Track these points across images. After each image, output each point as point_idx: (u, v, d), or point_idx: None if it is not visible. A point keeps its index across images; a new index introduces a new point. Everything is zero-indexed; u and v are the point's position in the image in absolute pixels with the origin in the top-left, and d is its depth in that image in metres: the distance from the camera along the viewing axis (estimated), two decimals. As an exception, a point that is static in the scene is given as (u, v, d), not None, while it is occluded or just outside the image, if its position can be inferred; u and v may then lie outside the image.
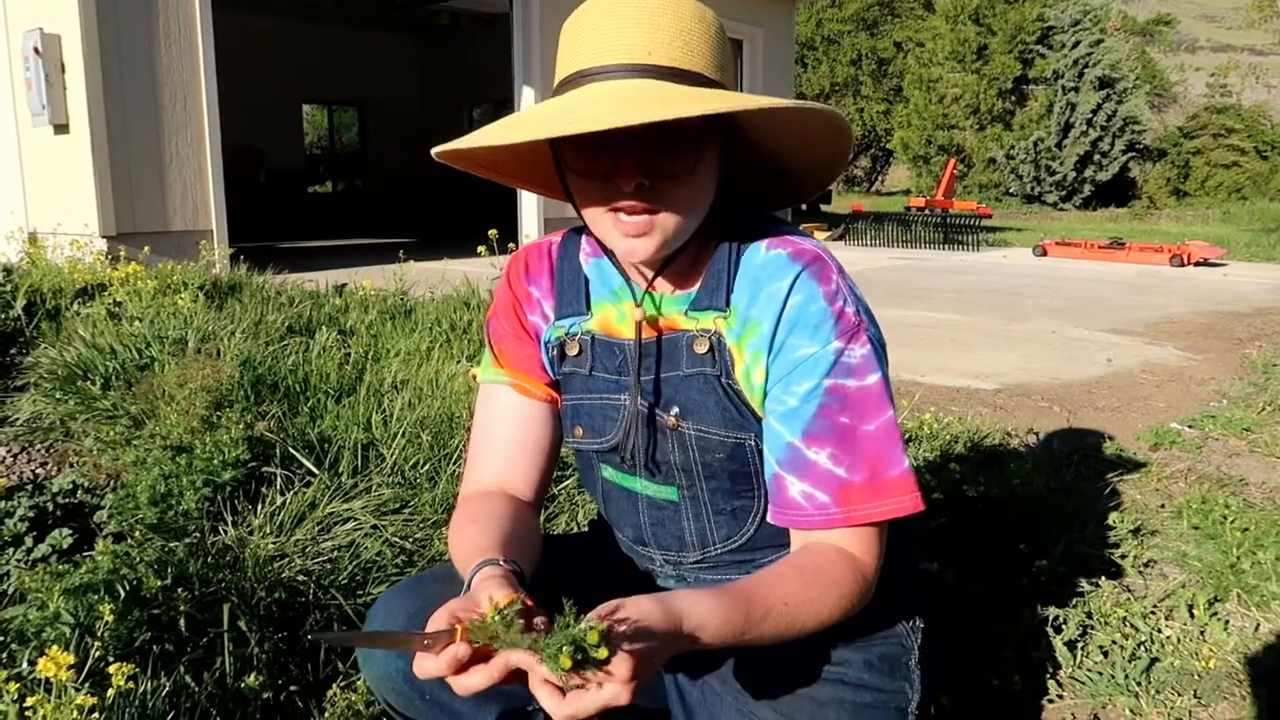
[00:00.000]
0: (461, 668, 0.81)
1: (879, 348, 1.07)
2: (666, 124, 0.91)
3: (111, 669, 1.31)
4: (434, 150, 1.04)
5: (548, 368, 1.22)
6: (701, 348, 1.09)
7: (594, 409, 1.17)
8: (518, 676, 0.82)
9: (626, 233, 1.01)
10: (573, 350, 1.18)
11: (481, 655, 0.82)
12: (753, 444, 1.10)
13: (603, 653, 0.76)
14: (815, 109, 0.98)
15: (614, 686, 0.78)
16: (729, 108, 0.91)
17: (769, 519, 1.09)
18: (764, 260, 1.08)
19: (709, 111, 0.89)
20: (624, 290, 1.14)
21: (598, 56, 0.97)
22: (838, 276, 1.06)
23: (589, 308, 1.17)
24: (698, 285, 1.11)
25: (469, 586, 0.95)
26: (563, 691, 0.79)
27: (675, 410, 1.11)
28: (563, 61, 1.02)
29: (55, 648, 1.25)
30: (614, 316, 1.15)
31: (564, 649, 0.75)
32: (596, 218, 1.03)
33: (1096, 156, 23.12)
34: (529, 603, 0.86)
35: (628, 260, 1.05)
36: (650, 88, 0.94)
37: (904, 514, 1.03)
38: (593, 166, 0.99)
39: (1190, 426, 3.55)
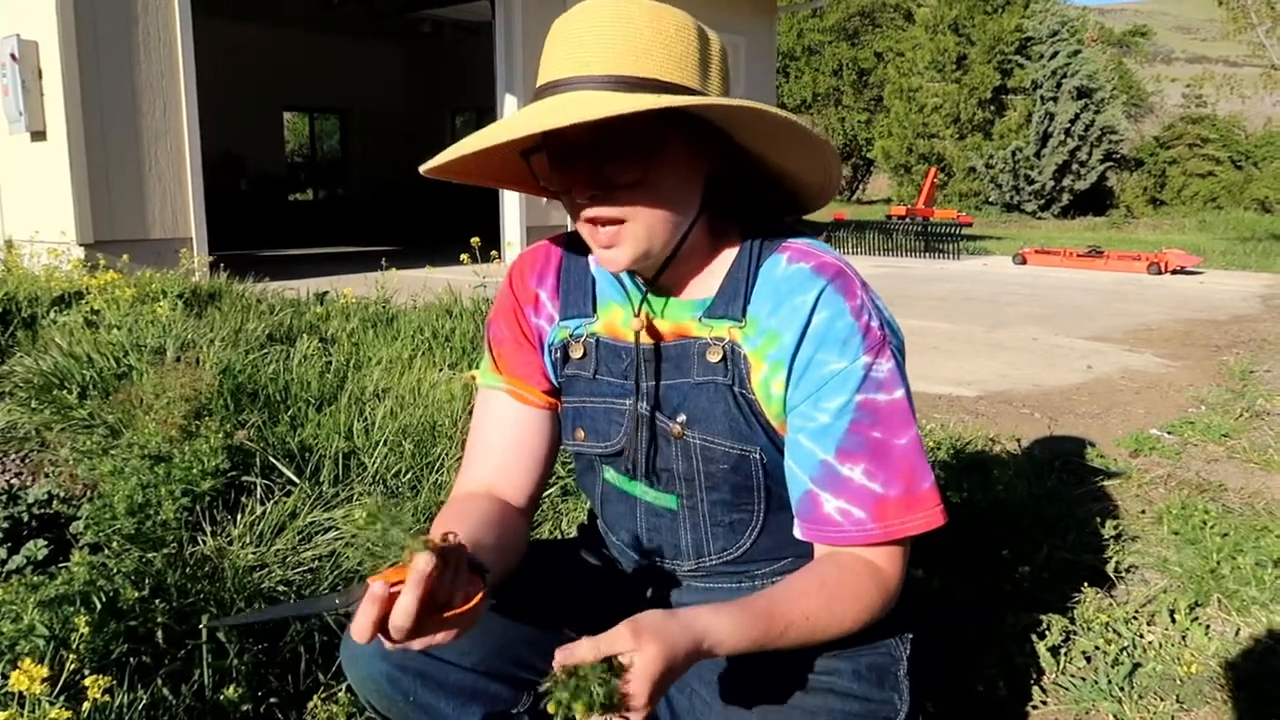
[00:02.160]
0: (385, 609, 0.81)
1: (901, 360, 1.08)
2: (608, 131, 0.95)
3: (88, 681, 1.29)
4: (422, 168, 1.07)
5: (549, 372, 1.21)
6: (715, 356, 1.08)
7: (598, 412, 1.17)
8: (442, 596, 0.83)
9: (599, 243, 1.03)
10: (577, 353, 1.17)
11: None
12: (757, 457, 1.10)
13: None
14: (743, 106, 0.96)
15: (631, 716, 0.81)
16: (613, 110, 0.90)
17: (800, 535, 1.08)
18: (786, 273, 1.07)
19: (594, 118, 0.89)
20: (632, 292, 1.14)
21: (549, 72, 1.00)
22: (862, 291, 1.06)
23: (595, 310, 1.17)
24: (713, 292, 1.10)
25: None
26: None
27: (682, 418, 1.11)
28: (545, 63, 1.03)
29: (29, 660, 1.23)
30: (620, 320, 1.15)
31: (579, 704, 0.76)
32: (579, 228, 1.06)
33: (1074, 166, 23.34)
34: (436, 540, 0.85)
35: (608, 269, 1.06)
36: (579, 100, 0.95)
37: (933, 527, 1.04)
38: (559, 180, 1.02)
39: (1169, 433, 3.57)
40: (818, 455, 1.04)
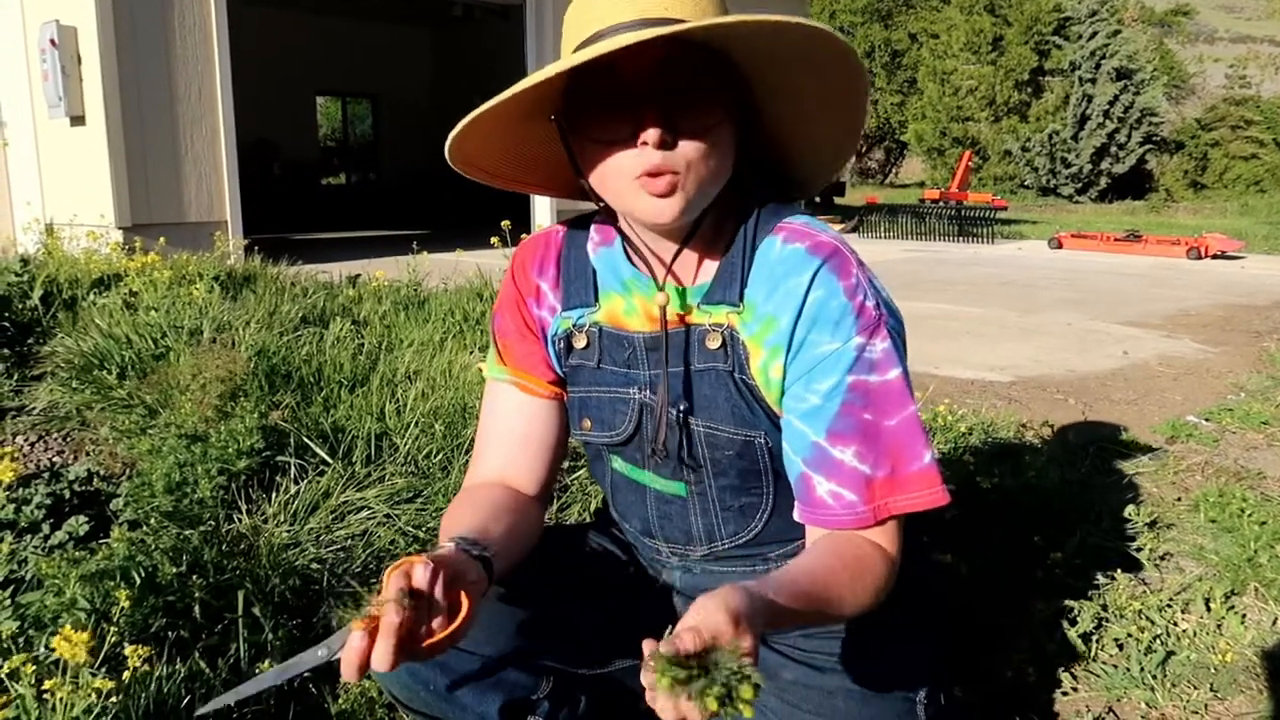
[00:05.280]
0: (369, 652, 0.82)
1: (899, 340, 1.05)
2: (687, 79, 0.94)
3: (128, 650, 1.32)
4: (452, 134, 1.03)
5: (553, 363, 1.20)
6: (714, 343, 1.07)
7: (603, 402, 1.16)
8: (413, 636, 0.84)
9: (653, 192, 0.98)
10: (580, 343, 1.16)
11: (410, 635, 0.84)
12: (762, 441, 1.09)
13: (749, 712, 0.72)
14: (816, 28, 0.95)
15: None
16: (752, 18, 0.89)
17: (796, 517, 1.08)
18: (781, 254, 1.05)
19: (731, 21, 0.89)
20: (634, 281, 1.11)
21: (614, 15, 0.96)
22: (857, 269, 1.04)
23: (597, 299, 1.15)
24: (710, 277, 1.09)
25: None
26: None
27: (684, 405, 1.10)
28: (573, 31, 1.00)
29: (68, 628, 1.26)
30: (622, 309, 1.13)
31: (713, 695, 0.71)
32: (620, 188, 1.00)
33: (1113, 149, 22.94)
34: (427, 560, 0.87)
35: (655, 221, 1.01)
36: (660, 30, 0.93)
37: (926, 507, 1.01)
38: (616, 129, 0.97)
39: (1207, 419, 3.52)
40: (809, 437, 1.03)
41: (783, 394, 1.06)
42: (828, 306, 1.02)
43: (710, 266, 1.09)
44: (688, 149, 0.97)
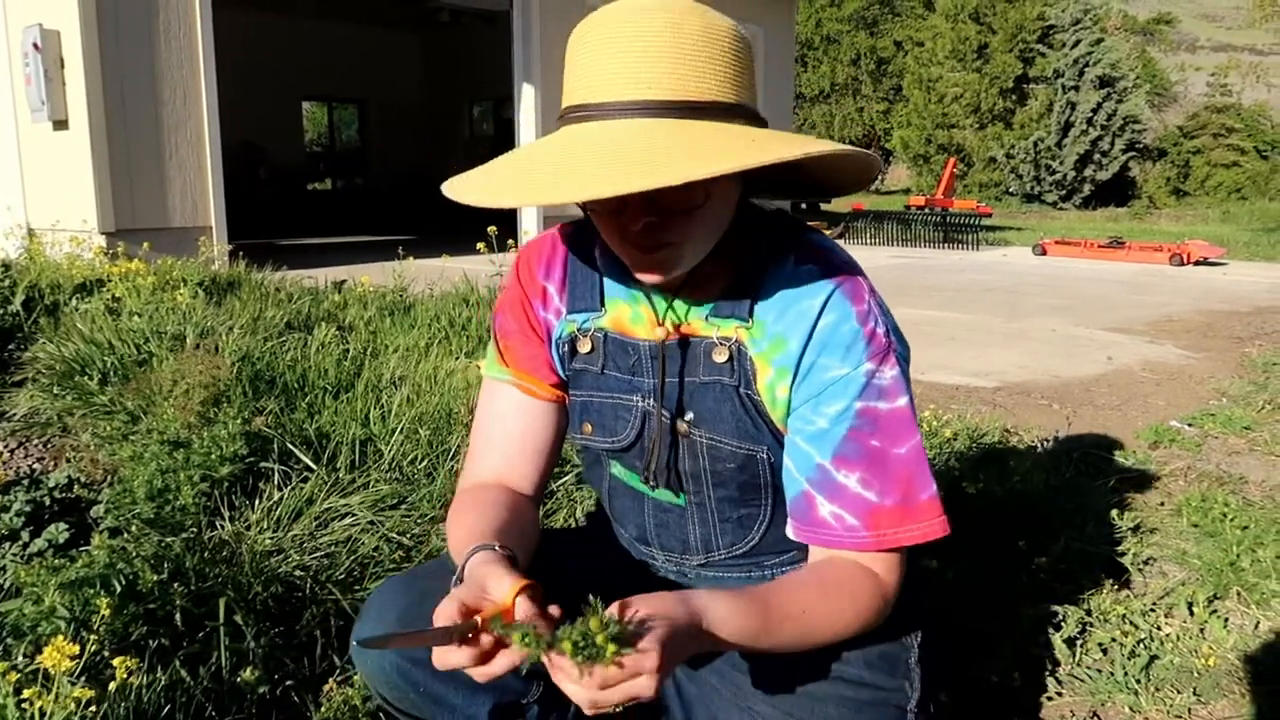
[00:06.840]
0: (485, 657, 0.84)
1: (906, 368, 1.05)
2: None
3: (115, 661, 1.31)
4: (460, 198, 0.97)
5: (557, 365, 1.19)
6: (720, 356, 1.07)
7: (605, 407, 1.16)
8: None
9: (639, 263, 0.99)
10: (584, 347, 1.15)
11: (502, 643, 0.85)
12: (764, 456, 1.09)
13: (610, 648, 0.77)
14: (830, 150, 0.91)
15: (642, 679, 0.80)
16: (719, 170, 0.83)
17: (792, 535, 1.07)
18: (793, 275, 1.05)
19: (696, 178, 0.83)
20: (639, 291, 1.11)
21: (595, 92, 0.92)
22: (869, 295, 1.04)
23: (603, 304, 1.15)
24: (720, 291, 1.08)
25: (463, 571, 0.96)
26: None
27: (689, 416, 1.10)
28: (565, 87, 0.98)
29: (60, 638, 1.25)
30: (628, 316, 1.13)
31: (570, 640, 0.78)
32: (612, 242, 1.02)
33: (1096, 156, 23.13)
34: (536, 584, 0.89)
35: (647, 283, 1.03)
36: (647, 134, 0.89)
37: (932, 538, 1.01)
38: (601, 203, 0.97)
39: (1190, 425, 3.54)
40: (814, 459, 1.03)
41: (788, 414, 1.06)
42: (839, 331, 1.02)
43: (720, 279, 1.08)
44: (677, 222, 0.96)
